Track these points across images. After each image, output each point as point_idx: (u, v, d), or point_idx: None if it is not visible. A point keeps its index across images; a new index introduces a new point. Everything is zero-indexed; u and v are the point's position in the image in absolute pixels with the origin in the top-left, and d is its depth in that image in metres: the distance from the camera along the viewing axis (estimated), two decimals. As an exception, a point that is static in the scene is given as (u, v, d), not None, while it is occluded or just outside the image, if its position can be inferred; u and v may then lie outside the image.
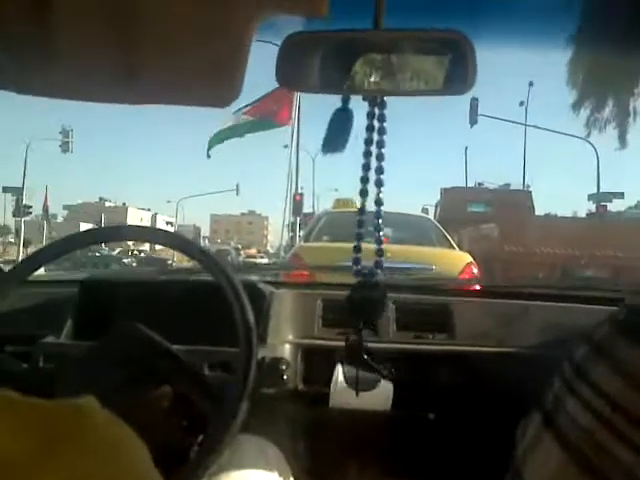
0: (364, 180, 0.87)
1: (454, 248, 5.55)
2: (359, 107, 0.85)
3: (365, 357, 1.02)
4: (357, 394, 1.11)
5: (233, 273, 1.02)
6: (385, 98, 0.84)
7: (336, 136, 0.83)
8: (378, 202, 0.90)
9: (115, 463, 0.37)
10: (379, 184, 0.87)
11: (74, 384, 1.01)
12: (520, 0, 0.80)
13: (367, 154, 0.86)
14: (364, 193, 0.89)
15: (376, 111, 0.83)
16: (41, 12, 0.65)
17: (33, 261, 1.06)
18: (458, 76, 0.76)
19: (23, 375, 1.20)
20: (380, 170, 0.87)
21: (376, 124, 0.84)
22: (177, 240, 1.09)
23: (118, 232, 1.14)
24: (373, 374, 1.11)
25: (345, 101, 0.84)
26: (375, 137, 0.85)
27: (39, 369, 1.20)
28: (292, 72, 0.80)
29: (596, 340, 0.46)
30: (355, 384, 1.09)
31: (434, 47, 0.77)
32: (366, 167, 0.87)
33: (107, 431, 0.38)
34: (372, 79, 0.79)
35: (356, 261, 0.93)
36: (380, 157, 0.86)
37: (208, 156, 9.68)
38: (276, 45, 0.85)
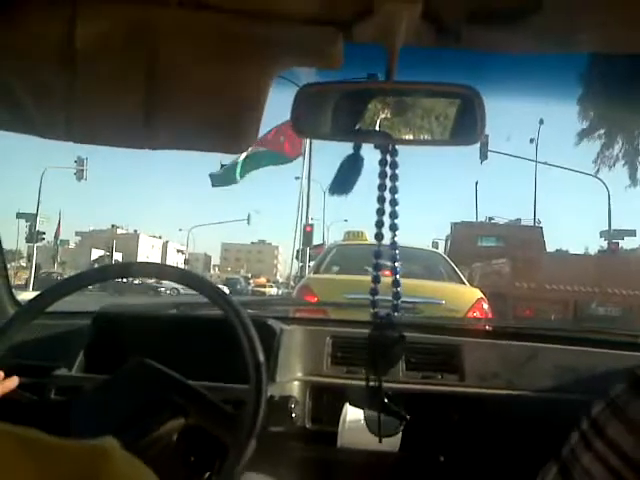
0: (379, 224, 0.89)
1: (464, 283, 5.51)
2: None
3: (386, 401, 1.02)
4: (380, 440, 1.10)
5: (244, 310, 1.03)
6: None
7: (344, 180, 0.85)
8: (393, 245, 0.91)
9: None
10: (394, 228, 0.89)
11: (87, 418, 1.02)
12: (528, 56, 0.83)
13: (381, 199, 0.88)
14: (379, 237, 0.91)
15: (388, 158, 0.85)
16: (64, 61, 0.69)
17: (50, 295, 1.08)
18: (467, 128, 0.79)
19: (37, 408, 1.21)
20: (394, 215, 0.88)
21: (388, 171, 0.86)
22: (188, 277, 1.11)
23: (129, 269, 1.16)
24: (394, 418, 1.10)
25: (357, 148, 0.86)
26: (388, 184, 0.87)
27: (52, 402, 1.21)
28: (306, 121, 0.82)
29: (612, 397, 0.47)
30: (378, 429, 1.08)
31: (444, 99, 0.80)
32: (380, 212, 0.88)
33: (128, 472, 0.40)
34: (383, 129, 0.81)
35: (374, 304, 0.94)
36: (394, 202, 0.88)
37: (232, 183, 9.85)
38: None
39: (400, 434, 1.19)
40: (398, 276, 0.93)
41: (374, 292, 0.93)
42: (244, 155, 9.09)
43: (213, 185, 10.32)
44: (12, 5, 0.67)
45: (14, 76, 0.70)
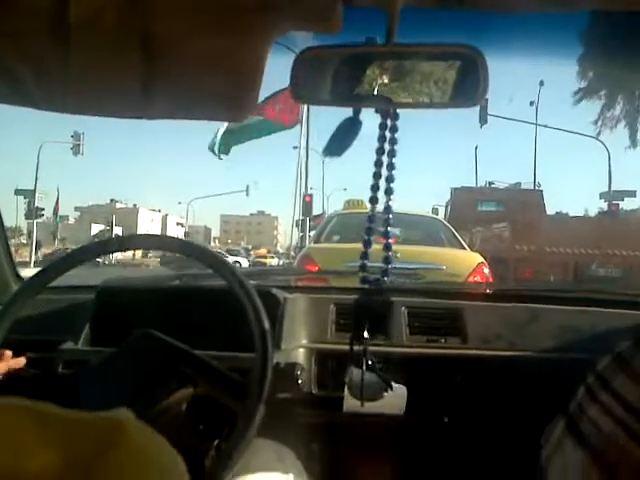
0: (374, 188, 0.89)
1: (465, 248, 5.52)
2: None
3: (370, 363, 1.03)
4: (362, 404, 1.11)
5: (247, 280, 1.03)
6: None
7: (339, 142, 0.84)
8: (387, 210, 0.91)
9: (153, 475, 0.39)
10: (389, 192, 0.89)
11: (95, 391, 1.04)
12: (529, 16, 0.81)
13: (378, 163, 0.87)
14: (374, 200, 0.90)
15: (388, 122, 0.85)
16: (59, 31, 0.67)
17: (52, 270, 1.08)
18: (469, 88, 0.77)
19: (45, 383, 1.23)
20: (390, 179, 0.88)
21: (388, 135, 0.86)
22: (191, 248, 1.11)
23: (132, 240, 1.16)
24: (378, 383, 1.12)
25: (356, 111, 0.85)
26: (387, 147, 0.86)
27: (59, 375, 1.23)
28: (305, 86, 0.81)
29: (617, 352, 0.48)
30: (360, 394, 1.10)
31: (445, 60, 0.79)
32: (377, 175, 0.88)
33: (144, 443, 0.40)
34: (383, 92, 0.80)
35: (363, 267, 0.94)
36: (391, 166, 0.87)
37: (220, 158, 9.46)
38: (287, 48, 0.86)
39: (396, 401, 1.21)
40: (390, 240, 0.93)
41: (364, 256, 0.93)
42: (222, 130, 8.59)
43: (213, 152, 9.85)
44: None
45: (9, 49, 0.69)
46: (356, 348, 1.03)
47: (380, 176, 0.86)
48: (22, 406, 0.38)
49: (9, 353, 1.06)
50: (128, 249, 1.13)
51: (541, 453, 0.52)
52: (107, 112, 0.80)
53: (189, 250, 1.09)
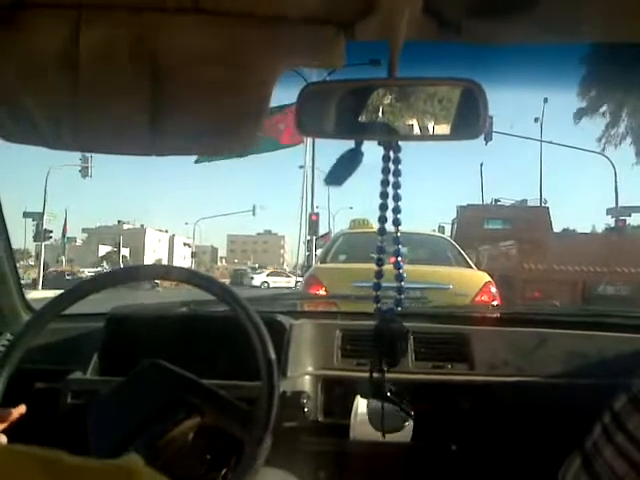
0: (382, 220, 0.89)
1: (472, 267, 5.51)
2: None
3: (389, 395, 1.03)
4: (384, 435, 1.11)
5: (252, 308, 1.04)
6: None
7: (340, 172, 0.85)
8: (397, 241, 0.92)
9: None
10: (397, 223, 0.89)
11: (103, 421, 1.04)
12: (531, 47, 0.82)
13: (384, 195, 0.88)
14: (382, 232, 0.91)
15: (391, 154, 0.86)
16: (69, 70, 0.69)
17: (64, 300, 1.09)
18: (470, 121, 0.78)
19: (53, 417, 1.23)
20: (397, 210, 0.89)
21: (391, 167, 0.87)
22: (196, 277, 1.12)
23: (141, 271, 1.18)
24: (397, 412, 1.11)
25: (358, 143, 0.86)
26: (391, 179, 0.87)
27: (67, 407, 1.23)
28: (309, 119, 0.82)
29: (634, 392, 0.48)
30: (381, 424, 1.09)
31: (446, 94, 0.80)
32: (383, 207, 0.89)
33: None
34: (386, 125, 0.81)
35: (377, 299, 0.94)
36: (396, 197, 0.88)
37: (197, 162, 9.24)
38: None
39: (406, 429, 1.20)
40: (401, 270, 0.93)
41: (377, 287, 0.94)
42: None
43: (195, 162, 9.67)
44: (15, 14, 0.67)
45: (19, 88, 0.71)
46: (362, 374, 1.03)
47: (386, 208, 0.87)
48: (32, 454, 0.38)
49: (8, 412, 1.04)
50: (137, 280, 1.14)
51: None
52: (116, 150, 0.82)
53: (196, 280, 1.10)
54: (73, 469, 0.38)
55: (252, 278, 29.96)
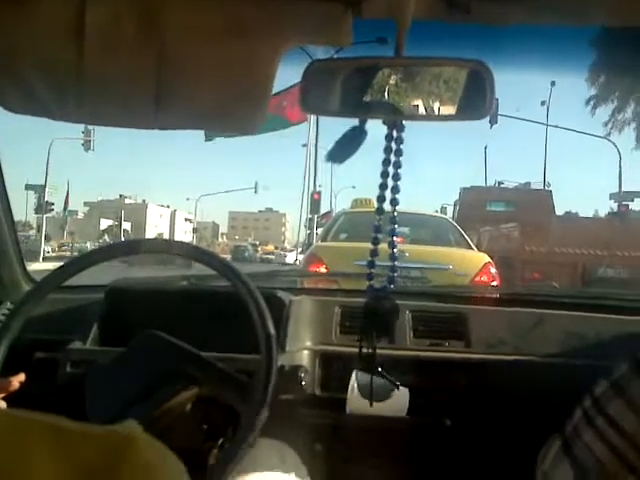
0: (380, 199, 0.90)
1: (472, 248, 5.54)
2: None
3: (379, 368, 1.05)
4: (371, 404, 1.14)
5: (253, 283, 1.05)
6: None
7: (343, 149, 0.85)
8: (393, 220, 0.92)
9: None
10: (394, 203, 0.90)
11: (102, 391, 1.06)
12: (539, 29, 0.82)
13: (384, 174, 0.89)
14: (380, 211, 0.92)
15: (394, 134, 0.86)
16: (75, 42, 0.69)
17: (65, 271, 1.11)
18: (476, 101, 0.78)
19: (55, 383, 1.25)
20: (396, 189, 0.89)
21: (393, 146, 0.87)
22: (197, 252, 1.13)
23: (143, 245, 1.18)
24: (387, 384, 1.14)
25: (362, 121, 0.86)
26: (392, 158, 0.88)
27: (67, 376, 1.25)
28: (314, 97, 0.82)
29: (615, 378, 0.49)
30: (370, 394, 1.12)
31: (453, 74, 0.80)
32: (383, 186, 0.89)
33: (153, 458, 0.41)
34: (390, 104, 0.82)
35: (369, 276, 0.96)
36: (396, 177, 0.89)
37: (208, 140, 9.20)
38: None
39: (399, 402, 1.23)
40: (396, 250, 0.94)
41: (371, 265, 0.95)
42: None
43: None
44: None
45: (26, 60, 0.71)
46: (364, 351, 1.05)
47: (386, 187, 0.87)
48: (34, 420, 0.39)
49: (7, 381, 1.06)
50: (137, 253, 1.15)
51: (536, 469, 0.53)
52: (120, 123, 0.82)
53: (197, 255, 1.11)
54: (75, 434, 0.39)
55: (285, 256, 30.67)
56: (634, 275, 8.23)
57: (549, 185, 21.14)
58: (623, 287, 7.92)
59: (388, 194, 0.89)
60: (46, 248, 23.79)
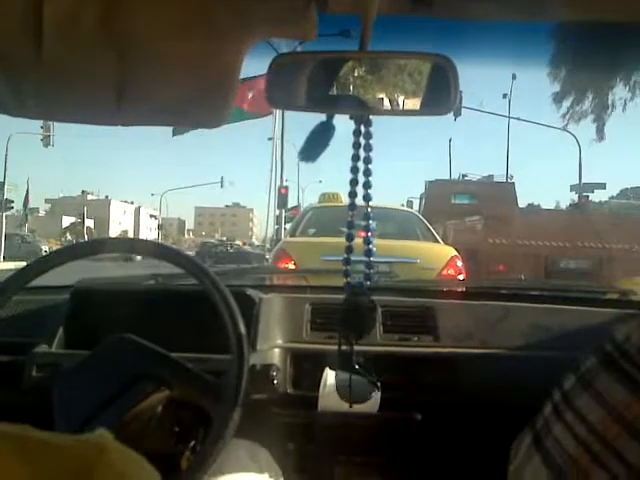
0: (352, 195, 0.89)
1: (438, 242, 5.60)
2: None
3: (357, 367, 1.04)
4: (351, 405, 1.13)
5: (221, 282, 1.04)
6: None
7: (313, 147, 0.84)
8: (367, 216, 0.92)
9: None
10: (367, 199, 0.89)
11: (70, 395, 1.03)
12: (501, 24, 0.83)
13: (354, 169, 0.88)
14: (353, 207, 0.91)
15: (362, 129, 0.85)
16: (32, 36, 0.66)
17: (28, 272, 1.07)
18: (441, 96, 0.78)
19: (20, 388, 1.21)
20: (367, 185, 0.89)
21: (362, 141, 0.86)
22: (164, 250, 1.11)
23: (106, 244, 1.16)
24: (365, 384, 1.13)
25: (330, 116, 0.85)
26: (362, 154, 0.87)
27: (33, 380, 1.22)
28: (280, 91, 0.81)
29: (582, 370, 0.49)
30: (348, 395, 1.11)
31: (417, 67, 0.80)
32: (354, 182, 0.88)
33: (123, 466, 0.40)
34: (357, 99, 0.81)
35: (346, 273, 0.95)
36: (367, 172, 0.88)
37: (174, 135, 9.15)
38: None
39: (372, 400, 1.23)
40: (371, 245, 0.94)
41: (347, 261, 0.94)
42: None
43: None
44: None
45: None
46: (331, 347, 1.04)
47: (357, 182, 0.87)
48: (0, 431, 0.37)
49: None
50: (102, 253, 1.12)
51: (508, 463, 0.53)
52: (81, 119, 0.79)
53: (163, 253, 1.08)
54: (42, 445, 0.38)
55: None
56: (594, 266, 8.45)
57: (512, 177, 21.60)
58: (584, 278, 8.12)
59: (360, 190, 0.88)
60: (44, 247, 23.41)
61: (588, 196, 18.60)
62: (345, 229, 0.94)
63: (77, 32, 0.67)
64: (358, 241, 0.93)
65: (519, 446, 0.52)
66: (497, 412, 1.33)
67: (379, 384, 1.20)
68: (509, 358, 1.41)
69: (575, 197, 18.87)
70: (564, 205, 22.48)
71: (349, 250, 0.93)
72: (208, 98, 0.76)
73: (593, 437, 0.44)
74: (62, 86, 0.73)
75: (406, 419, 1.37)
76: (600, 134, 15.92)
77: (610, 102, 15.02)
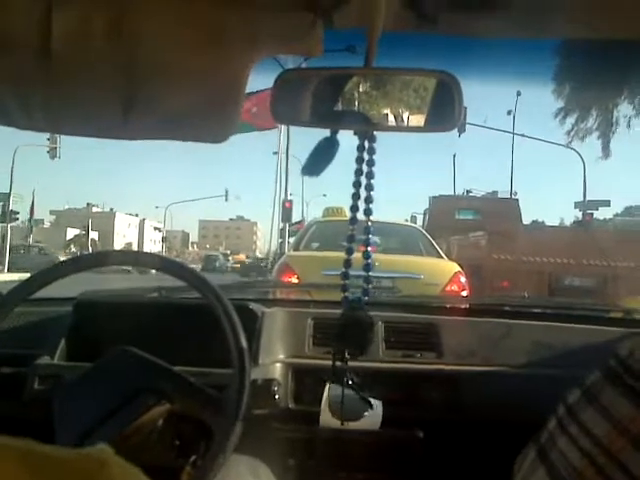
0: (354, 209, 0.90)
1: (442, 257, 5.59)
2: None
3: (351, 382, 1.04)
4: (342, 423, 1.12)
5: (225, 296, 1.04)
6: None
7: (317, 162, 0.85)
8: (367, 230, 0.92)
9: None
10: (368, 213, 0.89)
11: (71, 408, 1.03)
12: (506, 40, 0.83)
13: (357, 184, 0.88)
14: (354, 221, 0.91)
15: (366, 144, 0.86)
16: (41, 50, 0.67)
17: (32, 284, 1.08)
18: (445, 113, 0.79)
19: (22, 399, 1.21)
20: (369, 199, 0.89)
21: (365, 156, 0.87)
22: (167, 264, 1.11)
23: (110, 257, 1.16)
24: (360, 401, 1.13)
25: (334, 131, 0.86)
26: (365, 169, 0.87)
27: (35, 392, 1.22)
28: (286, 107, 0.82)
29: (587, 385, 0.49)
30: (340, 413, 1.10)
31: (422, 85, 0.80)
32: (356, 196, 0.89)
33: None
34: (361, 115, 0.81)
35: (344, 287, 0.95)
36: (369, 187, 0.88)
37: None
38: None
39: (367, 418, 1.21)
40: (370, 260, 0.93)
41: (345, 276, 0.94)
42: None
43: None
44: None
45: None
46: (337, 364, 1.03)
47: (359, 197, 0.87)
48: (2, 444, 0.37)
49: None
50: (105, 265, 1.12)
51: (512, 478, 0.53)
52: (89, 133, 0.80)
53: (166, 266, 1.09)
54: (46, 459, 0.38)
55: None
56: (599, 284, 8.41)
57: (516, 194, 21.60)
58: (588, 296, 8.08)
59: (361, 204, 0.88)
60: (62, 259, 23.45)
61: (592, 213, 18.57)
62: (346, 242, 0.94)
63: (85, 46, 0.68)
64: (359, 256, 0.93)
65: (523, 460, 0.52)
66: (500, 430, 1.32)
67: (376, 402, 1.19)
68: (512, 376, 1.40)
69: (579, 214, 18.83)
70: (568, 222, 22.44)
71: (347, 264, 0.92)
72: (214, 113, 0.77)
73: (598, 450, 0.44)
74: (70, 99, 0.74)
75: (408, 436, 1.36)
76: (605, 151, 15.92)
77: (615, 119, 15.06)
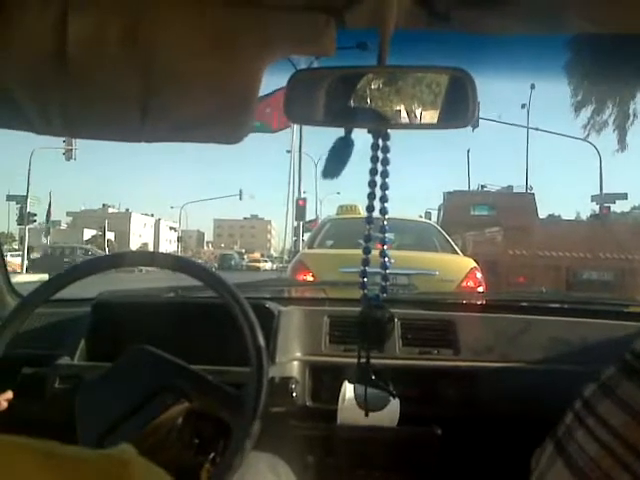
0: (370, 208, 0.90)
1: (457, 253, 5.56)
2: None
3: (373, 377, 1.04)
4: (367, 414, 1.13)
5: (241, 295, 1.04)
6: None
7: (335, 163, 0.85)
8: (383, 229, 0.92)
9: None
10: (383, 212, 0.89)
11: (91, 408, 1.04)
12: (519, 36, 0.83)
13: (372, 183, 0.88)
14: (370, 221, 0.91)
15: (380, 143, 0.86)
16: (58, 54, 0.68)
17: (51, 286, 1.09)
18: (459, 110, 0.79)
19: (43, 399, 1.23)
20: (384, 199, 0.89)
21: (380, 155, 0.87)
22: (183, 263, 1.12)
23: (126, 258, 1.17)
24: (382, 394, 1.13)
25: (348, 131, 0.86)
26: (379, 168, 0.87)
27: (56, 391, 1.24)
28: (299, 107, 0.82)
29: (603, 380, 0.49)
30: (364, 404, 1.11)
31: (435, 81, 0.80)
32: (372, 196, 0.89)
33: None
34: (375, 113, 0.81)
35: (363, 285, 0.95)
36: (384, 186, 0.88)
37: None
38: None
39: (392, 413, 1.22)
40: (387, 258, 0.93)
41: (364, 274, 0.94)
42: None
43: None
44: (5, 2, 0.66)
45: (8, 73, 0.70)
46: (350, 360, 1.04)
47: (374, 197, 0.87)
48: (25, 445, 0.37)
49: None
50: (122, 266, 1.14)
51: (530, 474, 0.53)
52: (105, 136, 0.81)
53: (182, 266, 1.09)
54: (69, 460, 0.38)
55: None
56: (617, 277, 8.32)
57: (531, 188, 21.39)
58: (607, 289, 8.00)
59: (377, 203, 0.88)
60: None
61: (609, 206, 18.34)
62: (362, 241, 0.94)
63: (101, 51, 0.69)
64: (375, 253, 0.93)
65: (541, 455, 0.52)
66: (518, 426, 1.31)
67: (396, 395, 1.20)
68: (530, 372, 1.39)
69: (596, 208, 18.61)
70: (585, 216, 22.19)
71: (365, 263, 0.93)
72: (229, 115, 0.77)
73: (616, 440, 0.44)
74: (87, 104, 0.75)
75: (426, 433, 1.36)
76: (622, 144, 15.74)
77: (631, 112, 14.87)
